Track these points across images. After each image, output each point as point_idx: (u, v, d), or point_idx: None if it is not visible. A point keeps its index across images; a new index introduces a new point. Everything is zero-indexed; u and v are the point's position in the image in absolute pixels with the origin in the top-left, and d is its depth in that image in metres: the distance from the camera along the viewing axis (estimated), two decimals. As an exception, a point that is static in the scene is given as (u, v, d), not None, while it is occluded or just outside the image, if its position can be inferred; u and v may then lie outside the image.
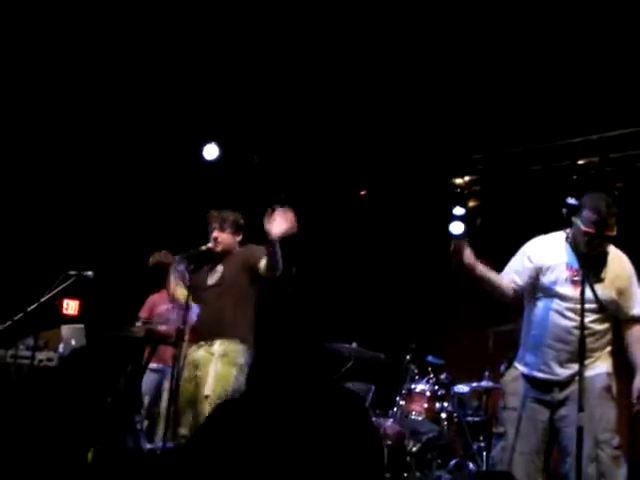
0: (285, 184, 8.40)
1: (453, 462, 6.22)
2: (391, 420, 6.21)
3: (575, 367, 3.83)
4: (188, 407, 5.00)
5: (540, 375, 4.10)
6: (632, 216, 5.03)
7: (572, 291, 4.01)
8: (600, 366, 4.04)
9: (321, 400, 1.99)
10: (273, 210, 4.73)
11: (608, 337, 4.11)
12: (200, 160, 7.94)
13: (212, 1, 6.31)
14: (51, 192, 7.95)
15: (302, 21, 6.26)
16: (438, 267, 8.22)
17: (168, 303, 7.08)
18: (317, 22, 6.26)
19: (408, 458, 5.99)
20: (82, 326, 6.30)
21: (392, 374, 6.68)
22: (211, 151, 7.93)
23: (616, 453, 3.93)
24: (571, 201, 4.03)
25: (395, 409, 6.29)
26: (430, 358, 6.66)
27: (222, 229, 5.28)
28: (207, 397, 4.85)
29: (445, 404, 6.29)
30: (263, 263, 4.91)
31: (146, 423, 6.88)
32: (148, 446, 6.41)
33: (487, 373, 6.49)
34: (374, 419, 6.17)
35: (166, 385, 6.66)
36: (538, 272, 4.13)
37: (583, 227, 3.95)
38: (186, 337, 5.64)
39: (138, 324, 6.46)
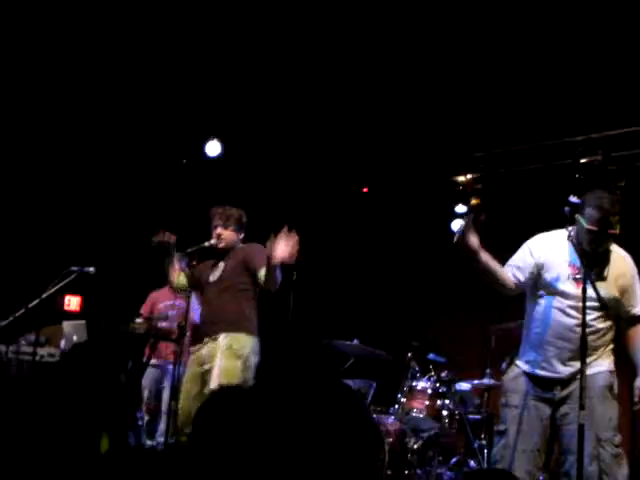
0: (287, 182, 8.45)
1: (454, 460, 6.22)
2: (392, 417, 6.21)
3: (577, 365, 3.82)
4: (194, 405, 4.99)
5: (542, 373, 4.10)
6: (635, 215, 5.03)
7: (574, 289, 4.00)
8: (602, 364, 4.04)
9: (321, 398, 1.99)
10: (277, 233, 4.74)
11: (610, 335, 4.11)
12: (202, 156, 7.97)
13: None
14: (53, 188, 7.96)
15: (304, 17, 6.25)
16: (440, 265, 8.26)
17: (169, 300, 7.11)
18: (319, 19, 6.25)
19: (409, 455, 5.99)
20: (84, 322, 6.31)
21: (393, 371, 6.69)
22: (213, 148, 7.97)
23: (617, 451, 3.93)
24: (573, 199, 4.02)
25: (396, 406, 6.29)
26: (432, 356, 6.66)
27: (225, 226, 5.29)
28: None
29: (446, 401, 6.29)
30: (262, 274, 4.93)
31: (146, 418, 6.91)
32: (149, 443, 6.43)
33: (488, 371, 6.50)
34: (375, 416, 6.18)
35: (166, 382, 6.68)
36: (540, 268, 4.12)
37: (587, 225, 3.95)
38: (188, 333, 5.65)
39: (139, 320, 6.46)
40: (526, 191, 7.48)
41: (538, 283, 4.14)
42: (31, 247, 7.77)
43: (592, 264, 3.98)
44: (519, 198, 7.58)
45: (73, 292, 7.77)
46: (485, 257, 4.08)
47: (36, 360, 5.60)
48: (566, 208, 4.01)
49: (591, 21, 5.77)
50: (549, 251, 4.13)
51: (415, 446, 6.03)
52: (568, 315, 4.02)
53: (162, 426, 6.55)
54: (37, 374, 5.55)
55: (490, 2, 5.90)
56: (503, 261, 4.24)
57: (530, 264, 4.14)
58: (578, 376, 3.77)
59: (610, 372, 4.07)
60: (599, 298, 4.01)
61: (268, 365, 5.19)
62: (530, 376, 4.14)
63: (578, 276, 3.99)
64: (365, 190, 8.73)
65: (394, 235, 8.62)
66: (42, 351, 5.82)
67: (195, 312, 5.91)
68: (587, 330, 3.79)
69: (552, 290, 4.09)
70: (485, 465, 5.93)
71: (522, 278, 4.16)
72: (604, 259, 4.07)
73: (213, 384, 4.85)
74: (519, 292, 4.24)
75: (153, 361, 6.82)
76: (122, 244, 8.03)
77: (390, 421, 6.13)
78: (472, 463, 6.16)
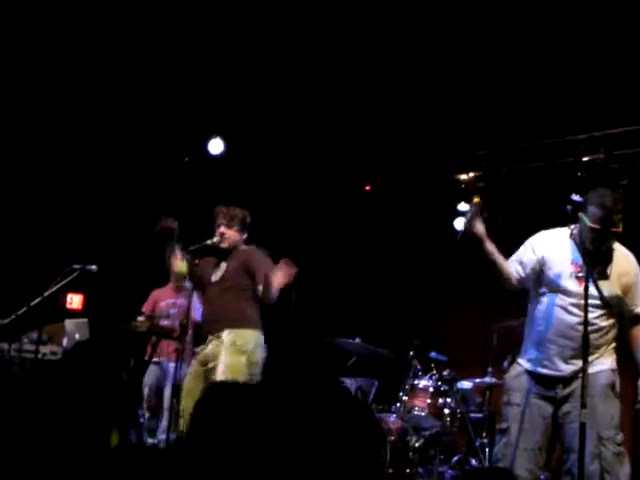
0: (289, 180, 8.45)
1: (456, 458, 6.22)
2: (394, 415, 6.21)
3: (579, 363, 3.82)
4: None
5: (543, 371, 4.09)
6: (637, 213, 5.02)
7: (576, 287, 4.00)
8: (604, 362, 4.03)
9: (323, 395, 1.99)
10: (277, 262, 4.97)
11: (613, 333, 4.10)
12: (205, 154, 7.98)
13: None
14: (55, 186, 7.96)
15: (306, 16, 6.25)
16: (442, 263, 8.27)
17: (171, 298, 7.12)
18: (321, 17, 6.24)
19: (411, 454, 5.99)
20: (86, 320, 6.32)
21: (395, 370, 6.69)
22: (216, 145, 7.98)
23: (619, 450, 3.92)
24: (576, 198, 4.02)
25: (398, 405, 6.30)
26: (433, 354, 6.67)
27: (229, 226, 5.31)
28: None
29: (448, 400, 6.29)
30: (260, 289, 5.07)
31: (147, 416, 6.92)
32: (150, 440, 6.44)
33: (490, 369, 6.50)
34: (377, 414, 6.18)
35: (168, 380, 6.68)
36: (542, 265, 4.12)
37: (589, 223, 3.94)
38: (189, 331, 5.66)
39: (140, 319, 6.47)
40: (528, 189, 7.48)
41: (540, 280, 4.14)
42: (33, 245, 7.78)
43: (595, 262, 3.97)
44: (521, 196, 7.58)
45: (75, 290, 7.78)
46: (491, 247, 4.11)
47: (38, 358, 5.60)
48: (568, 206, 4.01)
49: (593, 19, 5.76)
50: (551, 248, 4.13)
51: (417, 444, 6.03)
52: (570, 313, 4.01)
53: (163, 424, 6.56)
54: (39, 372, 5.56)
55: (492, 1, 5.90)
56: (505, 259, 4.24)
57: (532, 260, 4.14)
58: (580, 374, 3.77)
59: (612, 370, 4.06)
60: (601, 296, 4.00)
61: (270, 363, 5.20)
62: (532, 374, 4.13)
63: (580, 274, 3.98)
64: (368, 188, 8.74)
65: (397, 233, 8.62)
66: (44, 349, 5.83)
67: (196, 311, 5.91)
68: (589, 328, 3.79)
69: (554, 287, 4.08)
70: (486, 463, 5.94)
71: (523, 274, 4.17)
72: (607, 257, 4.06)
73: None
74: (521, 287, 4.24)
75: (155, 359, 6.83)
76: (124, 242, 8.04)
77: (392, 419, 6.13)
78: (473, 461, 6.17)
